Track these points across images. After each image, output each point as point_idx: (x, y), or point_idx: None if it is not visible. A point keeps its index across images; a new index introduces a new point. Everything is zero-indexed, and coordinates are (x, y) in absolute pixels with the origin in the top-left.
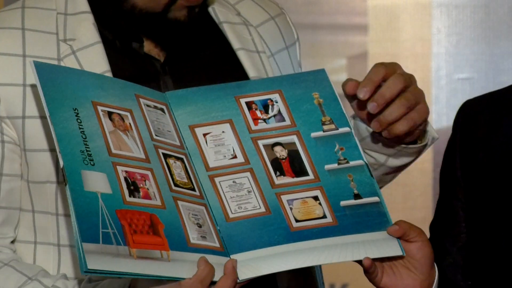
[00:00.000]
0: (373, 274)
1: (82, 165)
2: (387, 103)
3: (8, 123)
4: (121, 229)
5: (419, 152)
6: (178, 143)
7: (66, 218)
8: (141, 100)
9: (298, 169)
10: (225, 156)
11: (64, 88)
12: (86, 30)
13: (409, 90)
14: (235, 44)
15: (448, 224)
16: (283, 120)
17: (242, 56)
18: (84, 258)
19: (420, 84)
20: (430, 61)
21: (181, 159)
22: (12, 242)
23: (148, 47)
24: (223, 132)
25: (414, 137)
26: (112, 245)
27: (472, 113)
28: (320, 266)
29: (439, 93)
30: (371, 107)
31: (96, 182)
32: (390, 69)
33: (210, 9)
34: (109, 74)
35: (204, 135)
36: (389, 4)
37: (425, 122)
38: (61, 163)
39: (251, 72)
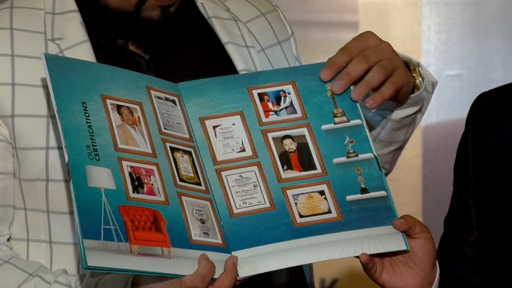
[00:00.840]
0: (372, 270)
1: (87, 160)
2: (354, 80)
3: (0, 122)
4: (123, 225)
5: (421, 100)
6: (187, 136)
7: (57, 215)
8: (152, 92)
9: (307, 163)
10: (233, 149)
11: (74, 81)
12: (74, 29)
13: (384, 59)
14: (223, 38)
15: (460, 219)
16: (295, 112)
17: (231, 50)
18: (84, 255)
19: None
20: (420, 58)
21: (189, 153)
22: (8, 239)
23: (134, 44)
24: (233, 124)
25: (403, 96)
26: (113, 241)
27: (486, 106)
28: None
29: None
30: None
31: (100, 177)
32: (355, 50)
33: (199, 5)
34: None
35: (214, 127)
36: (379, 2)
37: (407, 85)
38: (66, 158)
39: (239, 65)
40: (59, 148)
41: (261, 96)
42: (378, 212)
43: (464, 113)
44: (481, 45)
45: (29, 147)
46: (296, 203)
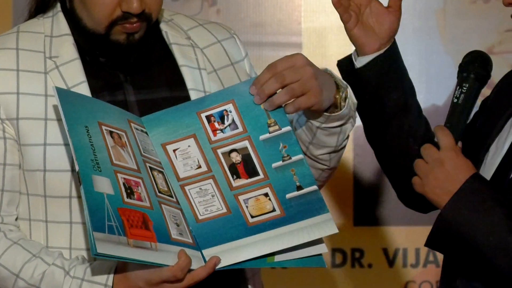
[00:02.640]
0: (348, 22)
1: (92, 171)
2: (268, 96)
3: (8, 123)
4: (121, 223)
5: (343, 117)
6: (159, 160)
7: (52, 199)
8: (132, 124)
9: (251, 171)
10: (191, 167)
11: (78, 109)
12: (67, 49)
13: (299, 80)
14: (180, 61)
15: None
16: (237, 127)
17: (184, 71)
18: (94, 244)
19: None
20: None
21: (162, 172)
22: (16, 219)
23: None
24: (189, 146)
25: (316, 113)
26: (115, 235)
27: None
28: None
29: None
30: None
31: (102, 185)
32: (279, 69)
33: (163, 33)
34: (85, 85)
35: (174, 150)
36: (318, 27)
37: (317, 104)
38: (77, 168)
39: (190, 84)
40: (54, 144)
41: (208, 118)
42: (312, 205)
43: None
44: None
45: (30, 143)
46: (247, 206)
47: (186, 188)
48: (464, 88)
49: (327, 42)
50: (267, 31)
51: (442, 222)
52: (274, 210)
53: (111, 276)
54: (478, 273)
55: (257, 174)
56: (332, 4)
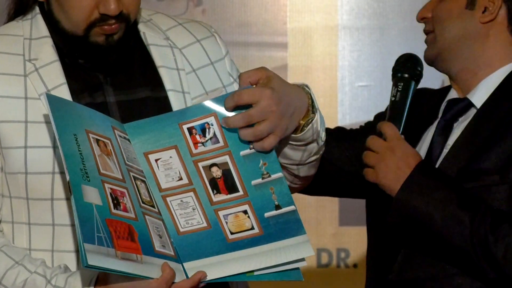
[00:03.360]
0: None
1: (82, 180)
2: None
3: None
4: (109, 234)
5: (304, 140)
6: (141, 168)
7: (34, 201)
8: (115, 131)
9: (231, 186)
10: (173, 178)
11: (67, 116)
12: (46, 51)
13: (266, 120)
14: (157, 62)
15: None
16: (218, 141)
17: (162, 72)
18: (85, 255)
19: (327, 91)
20: (336, 72)
21: (144, 182)
22: None
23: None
24: (170, 157)
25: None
26: (104, 246)
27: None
28: None
29: (344, 97)
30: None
31: (91, 195)
32: (237, 100)
33: (141, 34)
34: (65, 87)
35: (156, 160)
36: (304, 27)
37: (282, 135)
38: (68, 177)
39: (168, 86)
40: (35, 147)
41: (190, 130)
42: (290, 225)
43: (370, 116)
44: (385, 61)
45: (11, 146)
46: (226, 222)
47: (168, 199)
48: (400, 86)
49: (312, 42)
50: (252, 31)
51: (398, 205)
52: (252, 228)
53: (92, 287)
54: (434, 251)
55: (236, 190)
56: (318, 3)
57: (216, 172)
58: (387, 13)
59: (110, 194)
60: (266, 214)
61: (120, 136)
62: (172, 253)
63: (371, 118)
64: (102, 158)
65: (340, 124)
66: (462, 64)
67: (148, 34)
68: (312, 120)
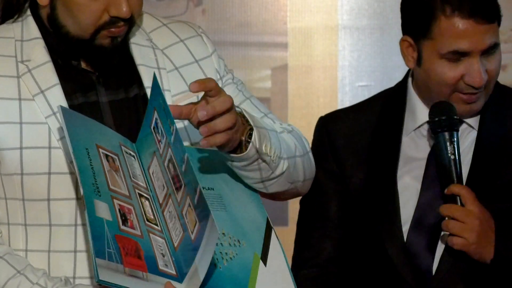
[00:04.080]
0: None
1: (94, 195)
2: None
3: None
4: (118, 250)
5: (248, 160)
6: (145, 185)
7: (30, 202)
8: (122, 148)
9: (180, 180)
10: (161, 189)
11: (80, 131)
12: (39, 52)
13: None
14: (137, 60)
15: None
16: (163, 135)
17: (142, 70)
18: (97, 270)
19: (328, 90)
20: (337, 71)
21: (148, 199)
22: None
23: (85, 63)
24: (155, 166)
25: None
26: (113, 262)
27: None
28: None
29: (344, 97)
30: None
31: (102, 210)
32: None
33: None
34: (59, 87)
35: (152, 173)
36: (304, 27)
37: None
38: (82, 191)
39: (146, 83)
40: (31, 148)
41: (155, 130)
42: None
43: None
44: (385, 62)
45: (6, 148)
46: (187, 221)
47: (165, 213)
48: (454, 142)
49: (312, 42)
50: (252, 31)
51: (502, 263)
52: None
53: None
54: None
55: (181, 183)
56: (318, 3)
57: (172, 169)
58: (387, 13)
59: (119, 210)
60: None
61: (126, 152)
62: (174, 272)
63: None
64: (111, 173)
65: None
66: None
67: (131, 34)
68: (252, 135)
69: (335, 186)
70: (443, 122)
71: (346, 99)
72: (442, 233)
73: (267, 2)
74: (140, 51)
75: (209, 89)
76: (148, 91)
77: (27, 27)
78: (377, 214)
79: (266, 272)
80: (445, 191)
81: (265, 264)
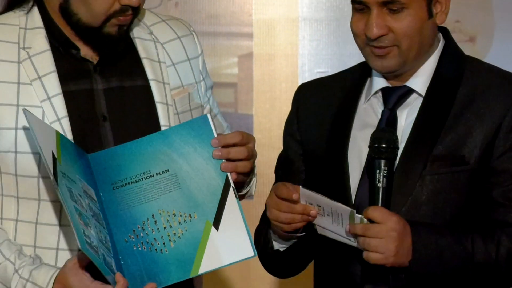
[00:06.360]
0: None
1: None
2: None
3: None
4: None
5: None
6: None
7: (22, 178)
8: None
9: None
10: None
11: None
12: (39, 41)
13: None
14: (141, 54)
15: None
16: None
17: (146, 63)
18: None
19: (289, 76)
20: (297, 59)
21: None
22: None
23: (85, 52)
24: None
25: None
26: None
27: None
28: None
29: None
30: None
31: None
32: (245, 140)
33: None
34: (55, 74)
35: None
36: (268, 18)
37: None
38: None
39: (150, 76)
40: (25, 129)
41: None
42: None
43: None
44: (341, 50)
45: (2, 127)
46: None
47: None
48: (385, 172)
49: (275, 32)
50: (221, 22)
51: (420, 260)
52: None
53: (52, 282)
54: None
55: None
56: None
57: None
58: (343, 6)
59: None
60: None
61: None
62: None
63: None
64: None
65: None
66: (412, 63)
67: (134, 28)
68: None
69: (297, 150)
70: (381, 149)
71: None
72: None
73: None
74: (143, 45)
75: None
76: (153, 83)
77: (31, 17)
78: (329, 179)
79: (218, 237)
80: (363, 213)
81: (217, 228)
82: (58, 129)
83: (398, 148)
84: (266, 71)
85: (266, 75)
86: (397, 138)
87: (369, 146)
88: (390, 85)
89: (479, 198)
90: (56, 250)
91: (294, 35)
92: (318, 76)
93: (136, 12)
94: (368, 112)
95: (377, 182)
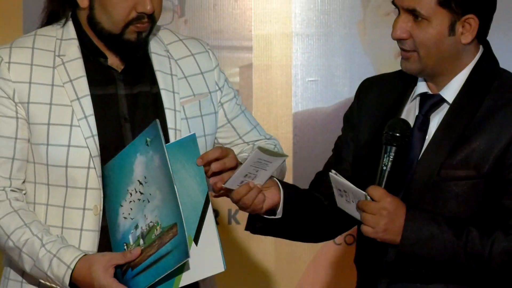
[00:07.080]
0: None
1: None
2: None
3: (20, 106)
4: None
5: None
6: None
7: (53, 167)
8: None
9: None
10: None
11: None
12: (72, 50)
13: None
14: (155, 66)
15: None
16: None
17: (158, 75)
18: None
19: (284, 84)
20: (291, 69)
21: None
22: (23, 182)
23: (112, 60)
24: None
25: None
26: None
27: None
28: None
29: (297, 90)
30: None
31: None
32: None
33: (149, 43)
34: (84, 79)
35: None
36: (265, 33)
37: None
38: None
39: (161, 85)
40: (56, 124)
41: None
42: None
43: (318, 105)
44: (329, 61)
45: (37, 123)
46: None
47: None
48: (391, 156)
49: (272, 46)
50: (224, 37)
51: (408, 244)
52: None
53: (75, 261)
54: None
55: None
56: (276, 15)
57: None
58: (331, 23)
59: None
60: None
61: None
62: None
63: (319, 106)
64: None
65: (294, 111)
66: (441, 72)
67: (152, 45)
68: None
69: (351, 135)
70: (391, 137)
71: (298, 91)
72: None
73: (236, 14)
74: (158, 59)
75: (212, 159)
76: (163, 92)
77: (67, 29)
78: (367, 166)
79: (196, 252)
80: (366, 191)
81: (196, 243)
82: (85, 126)
83: (409, 139)
84: (264, 79)
85: (264, 83)
86: (408, 128)
87: (384, 133)
88: (429, 91)
89: (490, 205)
90: (80, 231)
91: (288, 48)
92: (309, 84)
93: (153, 20)
94: (409, 114)
95: (383, 166)
